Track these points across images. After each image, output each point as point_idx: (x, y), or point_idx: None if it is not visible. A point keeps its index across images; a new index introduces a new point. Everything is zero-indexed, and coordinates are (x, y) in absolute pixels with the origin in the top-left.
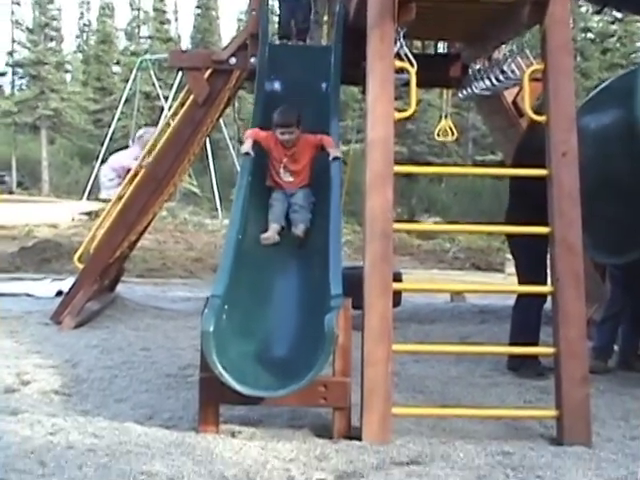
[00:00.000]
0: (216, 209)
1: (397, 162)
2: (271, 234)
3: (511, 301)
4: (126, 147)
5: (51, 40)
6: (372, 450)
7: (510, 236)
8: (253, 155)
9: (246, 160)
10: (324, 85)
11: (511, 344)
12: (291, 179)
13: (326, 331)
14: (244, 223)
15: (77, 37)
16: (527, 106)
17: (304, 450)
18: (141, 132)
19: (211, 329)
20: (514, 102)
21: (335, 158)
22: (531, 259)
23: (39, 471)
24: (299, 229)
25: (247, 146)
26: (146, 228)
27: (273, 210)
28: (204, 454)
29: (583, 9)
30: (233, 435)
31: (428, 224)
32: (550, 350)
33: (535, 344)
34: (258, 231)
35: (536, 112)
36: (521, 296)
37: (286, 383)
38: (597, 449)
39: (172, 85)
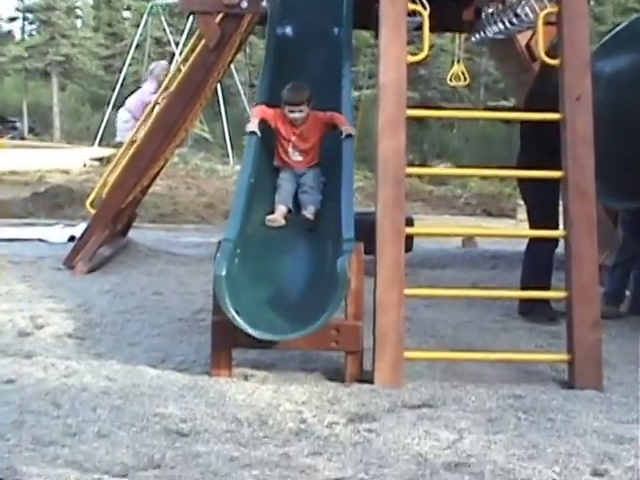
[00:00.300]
0: (227, 155)
1: (409, 107)
2: (277, 216)
3: (523, 247)
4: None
5: None
6: (384, 393)
7: (521, 181)
8: (259, 134)
9: (259, 104)
10: (336, 30)
11: (522, 289)
12: (300, 158)
13: (338, 274)
14: (256, 167)
15: None
16: (541, 50)
17: (316, 393)
18: (152, 66)
19: (223, 273)
20: (527, 46)
21: (348, 135)
22: (542, 203)
23: (54, 412)
24: (309, 211)
25: (253, 124)
26: (158, 173)
27: (281, 191)
28: (217, 397)
29: None
30: (246, 378)
31: (440, 169)
32: (562, 294)
33: (546, 289)
34: (270, 175)
35: (549, 56)
36: (532, 241)
37: (298, 326)
38: (608, 393)
39: (183, 30)
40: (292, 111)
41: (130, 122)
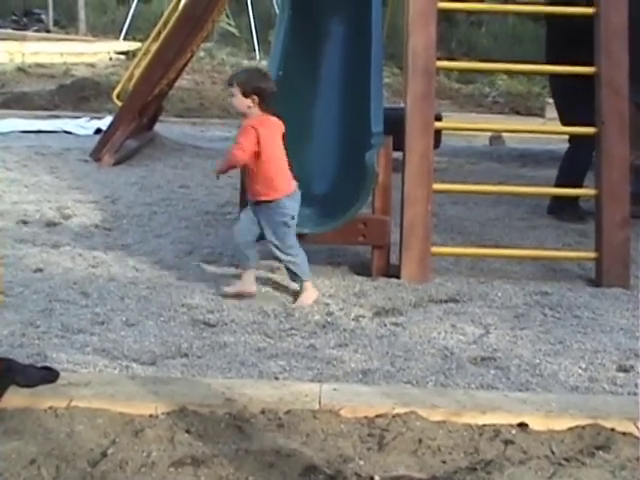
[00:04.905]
0: (254, 50)
1: None
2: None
3: (551, 145)
4: None
5: None
6: (410, 288)
7: (552, 81)
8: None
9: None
10: None
11: (556, 187)
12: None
13: (366, 168)
14: (284, 60)
15: None
16: None
17: (343, 287)
18: None
19: None
20: None
21: None
22: (571, 103)
23: (82, 301)
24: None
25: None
26: (185, 66)
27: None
28: None
29: None
30: (272, 271)
31: (472, 63)
32: (592, 192)
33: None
34: (298, 68)
35: None
36: (570, 144)
37: (326, 220)
38: (635, 291)
39: None
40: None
41: None
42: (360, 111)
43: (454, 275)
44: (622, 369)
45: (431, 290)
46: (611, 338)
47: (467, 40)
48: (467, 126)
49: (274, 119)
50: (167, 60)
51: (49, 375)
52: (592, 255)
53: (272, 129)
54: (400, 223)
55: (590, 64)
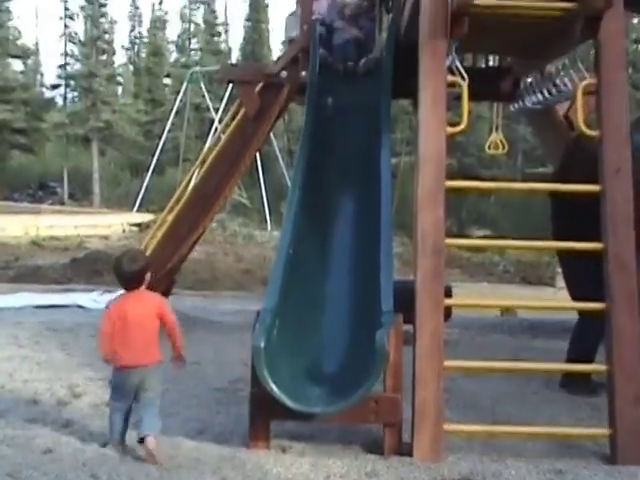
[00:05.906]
0: (265, 221)
1: (447, 175)
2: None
3: (561, 316)
4: (178, 158)
5: (103, 53)
6: (423, 467)
7: (560, 254)
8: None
9: (297, 173)
10: (375, 100)
11: (568, 361)
12: None
13: (377, 348)
14: (295, 237)
15: (128, 50)
16: (580, 120)
17: (355, 466)
18: None
19: (262, 344)
20: (565, 116)
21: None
22: (582, 278)
23: None
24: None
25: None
26: (197, 240)
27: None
28: (255, 470)
29: (635, 20)
30: (284, 451)
31: (479, 239)
32: (603, 367)
33: (590, 362)
34: (309, 244)
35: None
36: (580, 317)
37: (337, 399)
38: None
39: (222, 97)
40: None
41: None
42: (370, 288)
43: (467, 453)
44: None
45: (444, 469)
46: None
47: (476, 210)
48: (478, 303)
49: (132, 296)
50: (180, 236)
51: None
52: (606, 432)
53: (123, 307)
54: (412, 402)
55: (595, 238)
